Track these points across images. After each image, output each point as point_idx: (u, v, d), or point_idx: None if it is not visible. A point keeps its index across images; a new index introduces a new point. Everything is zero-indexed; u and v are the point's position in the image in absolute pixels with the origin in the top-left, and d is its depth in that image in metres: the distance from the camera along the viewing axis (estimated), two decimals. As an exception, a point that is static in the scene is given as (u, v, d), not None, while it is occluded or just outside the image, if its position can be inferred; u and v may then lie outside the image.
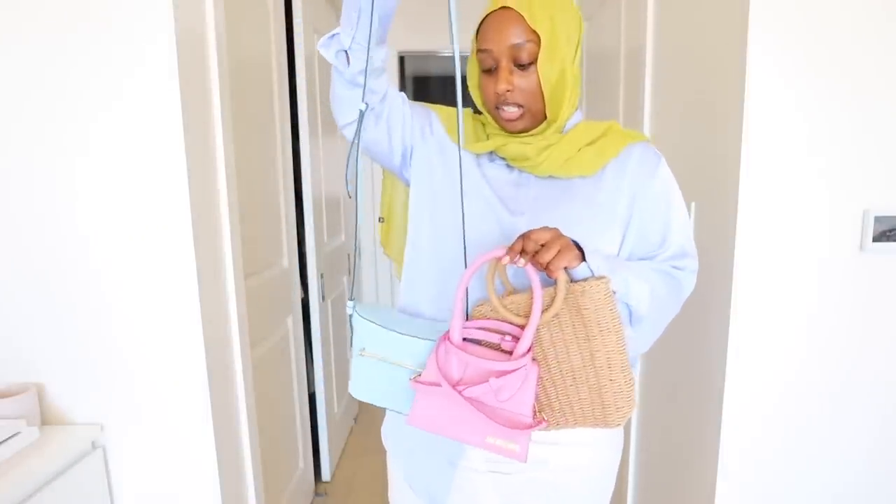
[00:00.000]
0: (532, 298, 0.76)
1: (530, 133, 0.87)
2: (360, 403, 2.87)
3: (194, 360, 1.22)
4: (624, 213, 0.87)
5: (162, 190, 1.16)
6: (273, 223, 1.81)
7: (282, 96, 1.87)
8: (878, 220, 1.11)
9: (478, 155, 0.90)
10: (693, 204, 1.31)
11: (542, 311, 0.76)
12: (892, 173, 1.11)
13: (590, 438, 0.89)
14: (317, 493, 2.24)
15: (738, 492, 1.23)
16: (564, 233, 0.77)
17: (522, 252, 0.72)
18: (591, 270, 0.77)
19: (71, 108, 1.14)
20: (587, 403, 0.80)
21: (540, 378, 0.79)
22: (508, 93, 0.83)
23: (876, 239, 1.12)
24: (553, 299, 0.76)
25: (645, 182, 0.87)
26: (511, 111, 0.84)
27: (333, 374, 2.44)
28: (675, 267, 0.88)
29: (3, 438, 1.07)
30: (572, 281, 0.77)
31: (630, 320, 0.84)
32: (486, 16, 0.84)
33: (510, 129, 0.87)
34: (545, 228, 0.74)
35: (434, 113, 0.95)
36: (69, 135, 1.14)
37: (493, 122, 0.90)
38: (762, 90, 1.08)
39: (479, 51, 0.85)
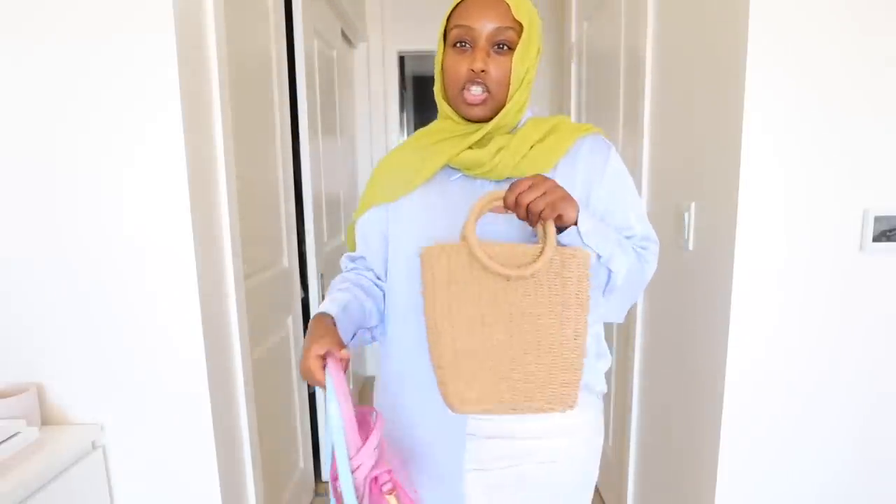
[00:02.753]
0: (509, 249, 0.71)
1: (482, 137, 0.85)
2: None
3: (194, 359, 1.22)
4: (580, 204, 0.84)
5: (162, 190, 1.16)
6: (273, 223, 1.81)
7: (282, 96, 1.87)
8: (878, 220, 1.11)
9: (436, 181, 0.88)
10: (693, 204, 1.31)
11: (527, 264, 0.69)
12: (892, 173, 1.11)
13: (572, 428, 0.91)
14: (317, 493, 2.24)
15: (738, 492, 1.23)
16: (523, 234, 0.79)
17: (524, 197, 0.70)
18: (580, 234, 0.76)
19: (70, 109, 1.14)
20: (544, 373, 0.73)
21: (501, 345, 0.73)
22: (483, 73, 0.82)
23: (876, 239, 1.12)
24: (540, 252, 0.70)
25: (598, 172, 0.87)
26: (477, 93, 0.83)
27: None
28: (642, 248, 0.89)
29: (3, 438, 1.07)
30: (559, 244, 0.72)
31: (605, 289, 0.83)
32: None
33: (469, 114, 0.85)
34: (539, 181, 0.71)
35: (375, 212, 0.93)
36: (68, 135, 1.14)
37: (452, 117, 0.88)
38: (762, 90, 1.08)
39: (455, 27, 0.83)
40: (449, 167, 0.88)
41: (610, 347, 2.10)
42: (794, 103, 1.09)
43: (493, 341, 0.72)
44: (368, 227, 0.94)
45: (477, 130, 0.86)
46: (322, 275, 2.18)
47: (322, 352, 0.72)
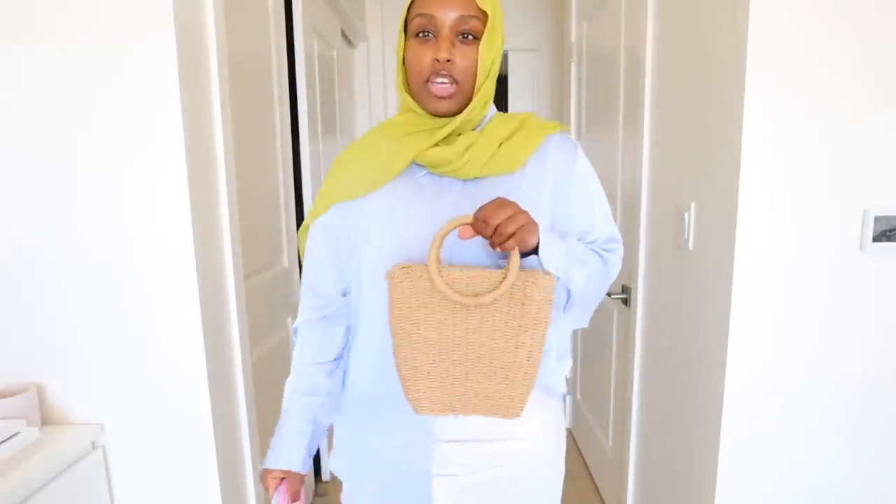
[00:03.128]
0: (469, 275, 0.73)
1: (451, 132, 0.82)
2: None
3: (194, 359, 1.22)
4: (548, 203, 0.85)
5: (162, 190, 1.16)
6: (273, 223, 1.81)
7: (282, 96, 1.87)
8: (878, 220, 1.11)
9: (402, 178, 0.84)
10: (693, 204, 1.31)
11: (487, 292, 0.72)
12: (892, 173, 1.11)
13: (535, 430, 0.89)
14: (317, 494, 2.24)
15: (738, 491, 1.23)
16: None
17: (490, 224, 0.70)
18: (540, 262, 0.76)
19: (70, 109, 1.14)
20: (494, 394, 0.78)
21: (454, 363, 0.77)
22: (448, 63, 0.78)
23: (876, 239, 1.12)
24: (502, 278, 0.72)
25: (566, 172, 0.86)
26: (445, 85, 0.79)
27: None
28: (605, 251, 0.89)
29: (3, 438, 1.07)
30: (521, 270, 0.74)
31: (565, 306, 0.84)
32: None
33: (437, 107, 0.81)
34: (504, 203, 0.71)
35: (336, 210, 0.87)
36: (68, 135, 1.14)
37: (415, 110, 0.84)
38: (762, 90, 1.08)
39: (417, 16, 0.78)
40: (415, 164, 0.84)
41: (610, 347, 2.10)
42: (794, 103, 1.09)
43: (448, 362, 0.77)
44: (327, 231, 0.88)
45: (444, 126, 0.82)
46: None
47: (281, 476, 0.85)
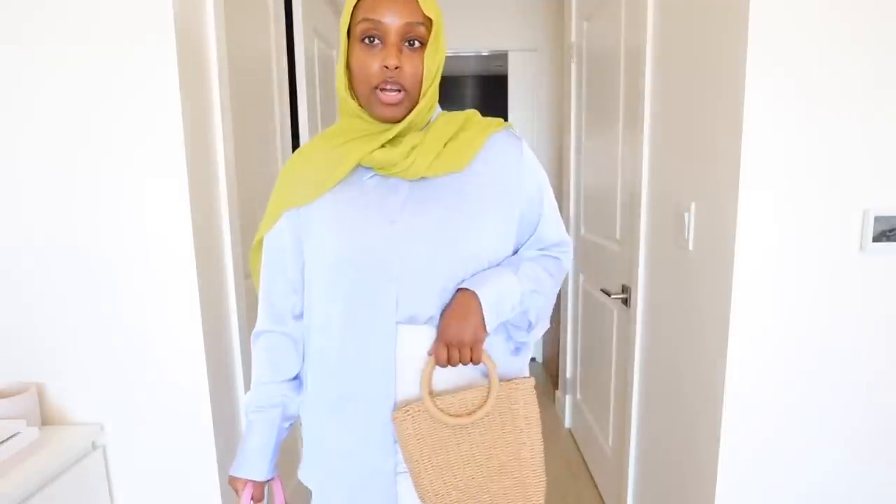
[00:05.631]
0: (461, 398, 0.83)
1: (396, 134, 0.82)
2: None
3: (194, 359, 1.22)
4: (498, 201, 0.86)
5: (162, 190, 1.16)
6: (273, 223, 1.81)
7: (282, 96, 1.87)
8: (878, 220, 1.11)
9: (350, 181, 0.85)
10: (693, 204, 1.31)
11: (475, 411, 0.82)
12: (892, 173, 1.11)
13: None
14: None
15: (738, 491, 1.23)
16: (444, 233, 0.82)
17: (453, 356, 0.79)
18: (500, 325, 0.84)
19: (70, 109, 1.14)
20: (511, 493, 0.85)
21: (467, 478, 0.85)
22: (397, 70, 0.78)
23: (876, 239, 1.12)
24: (487, 395, 0.82)
25: (514, 168, 0.88)
26: (393, 94, 0.79)
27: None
28: (556, 257, 0.93)
29: (3, 438, 1.07)
30: (502, 380, 0.84)
31: (528, 330, 0.88)
32: None
33: (385, 114, 0.81)
34: (455, 324, 0.79)
35: (286, 218, 0.88)
36: (68, 136, 1.15)
37: (360, 116, 0.84)
38: (762, 90, 1.08)
39: (363, 20, 0.78)
40: (362, 167, 0.84)
41: (610, 347, 2.10)
42: (795, 103, 1.09)
43: (462, 478, 0.85)
44: (277, 241, 0.88)
45: (388, 129, 0.82)
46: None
47: (246, 482, 0.91)
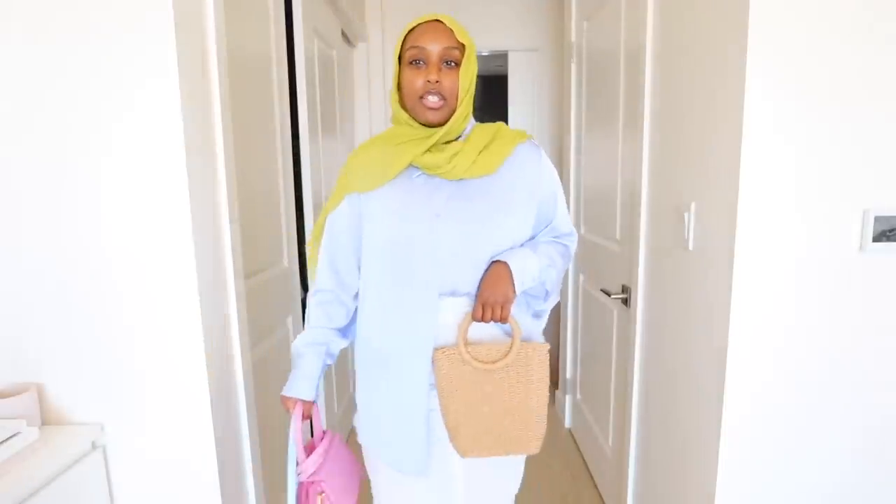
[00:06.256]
0: (492, 348, 1.03)
1: (439, 140, 1.02)
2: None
3: (194, 360, 1.22)
4: (522, 198, 1.08)
5: (162, 190, 1.16)
6: (273, 223, 1.81)
7: (282, 96, 1.87)
8: (878, 220, 1.11)
9: (402, 177, 1.06)
10: (693, 204, 1.31)
11: (500, 360, 1.02)
12: (892, 173, 1.11)
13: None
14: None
15: (738, 492, 1.23)
16: (478, 223, 1.03)
17: (487, 313, 0.99)
18: (523, 293, 1.07)
19: (70, 108, 1.14)
20: (516, 431, 1.05)
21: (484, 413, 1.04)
22: (437, 83, 0.99)
23: (876, 239, 1.12)
24: (510, 348, 1.02)
25: (534, 173, 1.10)
26: (435, 100, 1.00)
27: (333, 374, 2.44)
28: (566, 244, 1.17)
29: (3, 438, 1.07)
30: (522, 340, 1.04)
31: (545, 298, 1.12)
32: (419, 24, 1.02)
33: (430, 118, 1.02)
34: (491, 288, 0.99)
35: (349, 200, 1.10)
36: (68, 135, 1.15)
37: (409, 123, 1.05)
38: (762, 90, 1.08)
39: (410, 48, 1.00)
40: (412, 166, 1.05)
41: (610, 347, 2.11)
42: (795, 103, 1.09)
43: (480, 414, 1.04)
44: (341, 220, 1.11)
45: (432, 134, 1.02)
46: (322, 275, 2.18)
47: (296, 401, 1.13)
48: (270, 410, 1.71)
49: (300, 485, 1.11)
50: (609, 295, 1.94)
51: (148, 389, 1.23)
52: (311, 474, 1.09)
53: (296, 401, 1.12)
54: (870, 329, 1.17)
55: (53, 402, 1.23)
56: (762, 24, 1.06)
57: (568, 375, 2.74)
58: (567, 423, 2.77)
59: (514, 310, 1.06)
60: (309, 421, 1.17)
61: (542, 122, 3.44)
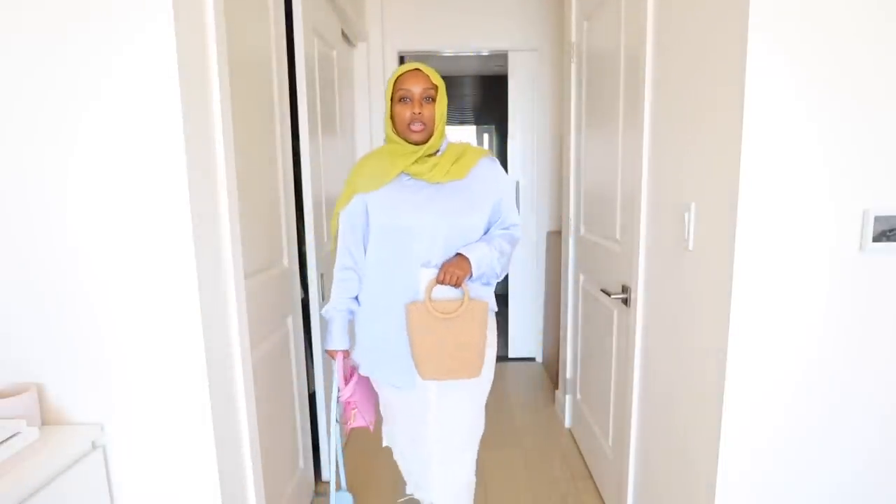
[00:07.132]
0: (448, 304, 1.42)
1: (423, 154, 1.44)
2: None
3: (194, 360, 1.22)
4: (483, 198, 1.49)
5: (162, 190, 1.16)
6: (273, 223, 1.81)
7: (282, 96, 1.87)
8: (878, 220, 1.11)
9: (396, 181, 1.47)
10: (693, 204, 1.32)
11: (453, 312, 1.41)
12: (892, 173, 1.11)
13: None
14: (317, 493, 2.24)
15: (738, 492, 1.23)
16: (451, 216, 1.43)
17: (447, 277, 1.38)
18: (474, 276, 1.44)
19: (70, 108, 1.14)
20: (465, 362, 1.44)
21: (447, 349, 1.43)
22: (420, 114, 1.41)
23: (876, 239, 1.12)
24: (461, 304, 1.41)
25: (492, 180, 1.52)
26: (418, 126, 1.42)
27: (334, 374, 2.44)
28: (513, 235, 1.56)
29: (3, 438, 1.07)
30: (470, 297, 1.44)
31: (496, 278, 1.52)
32: (404, 73, 1.41)
33: (415, 139, 1.43)
34: (453, 264, 1.39)
35: (357, 198, 1.49)
36: (68, 135, 1.14)
37: (400, 142, 1.45)
38: (762, 90, 1.08)
39: (399, 89, 1.41)
40: (403, 173, 1.46)
41: (610, 347, 2.11)
42: (794, 103, 1.09)
43: (439, 349, 1.43)
44: (354, 215, 1.50)
45: (417, 150, 1.43)
46: (322, 275, 2.18)
47: (338, 351, 1.59)
48: (270, 410, 1.71)
49: (342, 404, 1.60)
50: (609, 295, 1.94)
51: (148, 389, 1.23)
52: (348, 397, 1.58)
53: (336, 351, 1.56)
54: (870, 329, 1.17)
55: (53, 402, 1.23)
56: (762, 25, 1.06)
57: (568, 375, 2.74)
58: (567, 423, 2.77)
59: (470, 283, 1.46)
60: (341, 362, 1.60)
61: (542, 122, 3.44)
